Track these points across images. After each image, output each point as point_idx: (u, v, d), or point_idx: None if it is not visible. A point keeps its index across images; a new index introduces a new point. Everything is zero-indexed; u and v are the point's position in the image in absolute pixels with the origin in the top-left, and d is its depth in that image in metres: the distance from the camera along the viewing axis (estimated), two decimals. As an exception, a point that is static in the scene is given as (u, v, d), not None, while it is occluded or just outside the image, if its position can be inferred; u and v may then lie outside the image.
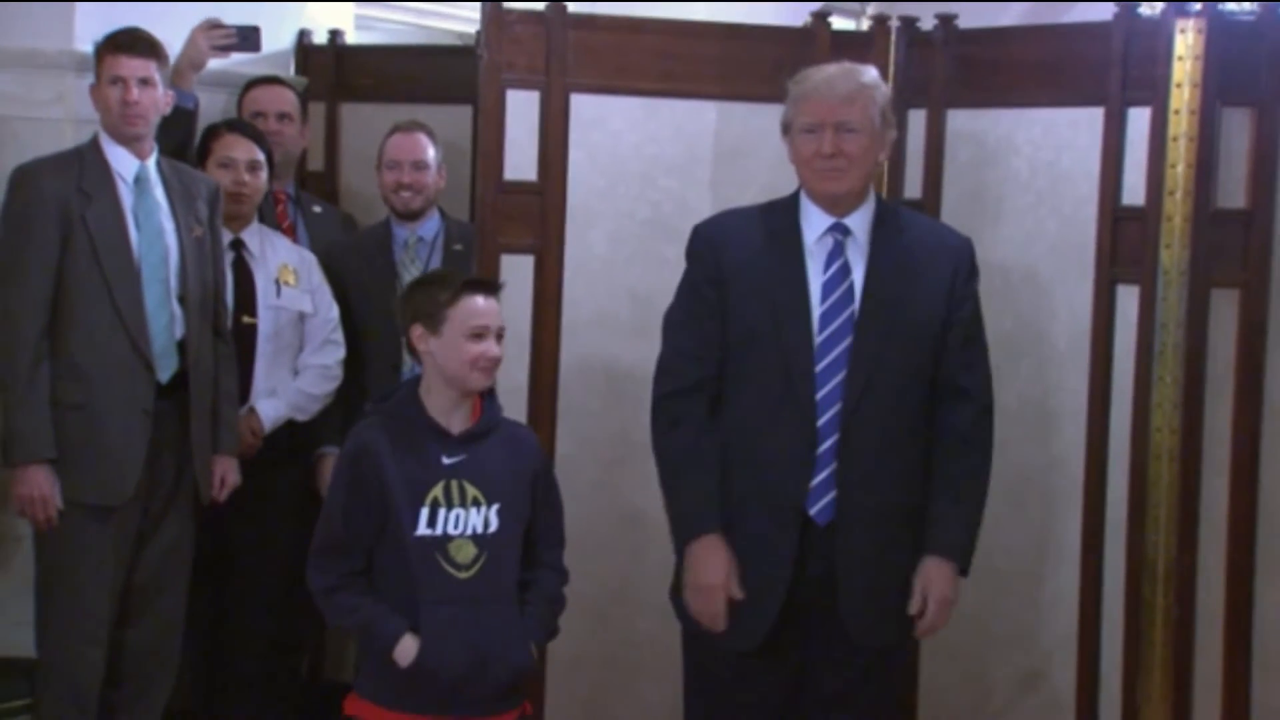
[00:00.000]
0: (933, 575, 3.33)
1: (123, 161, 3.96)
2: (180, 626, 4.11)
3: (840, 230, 3.33)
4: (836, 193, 3.31)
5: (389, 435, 3.27)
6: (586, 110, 3.99)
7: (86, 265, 3.87)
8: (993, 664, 4.06)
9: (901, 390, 3.31)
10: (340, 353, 4.35)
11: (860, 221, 3.35)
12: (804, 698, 3.41)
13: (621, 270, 4.05)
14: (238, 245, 4.30)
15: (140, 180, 3.97)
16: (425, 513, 3.23)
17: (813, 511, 3.28)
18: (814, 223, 3.34)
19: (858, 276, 3.32)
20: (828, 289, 3.31)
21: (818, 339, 3.28)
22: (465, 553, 3.25)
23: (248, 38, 4.54)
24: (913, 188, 4.12)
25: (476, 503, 3.27)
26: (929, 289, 3.33)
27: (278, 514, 4.32)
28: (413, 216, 4.53)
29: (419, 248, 4.53)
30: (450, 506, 3.25)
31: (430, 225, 4.55)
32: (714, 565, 3.28)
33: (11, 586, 4.32)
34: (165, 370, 3.93)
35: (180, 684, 4.15)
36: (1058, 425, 3.93)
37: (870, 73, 3.35)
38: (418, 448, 3.26)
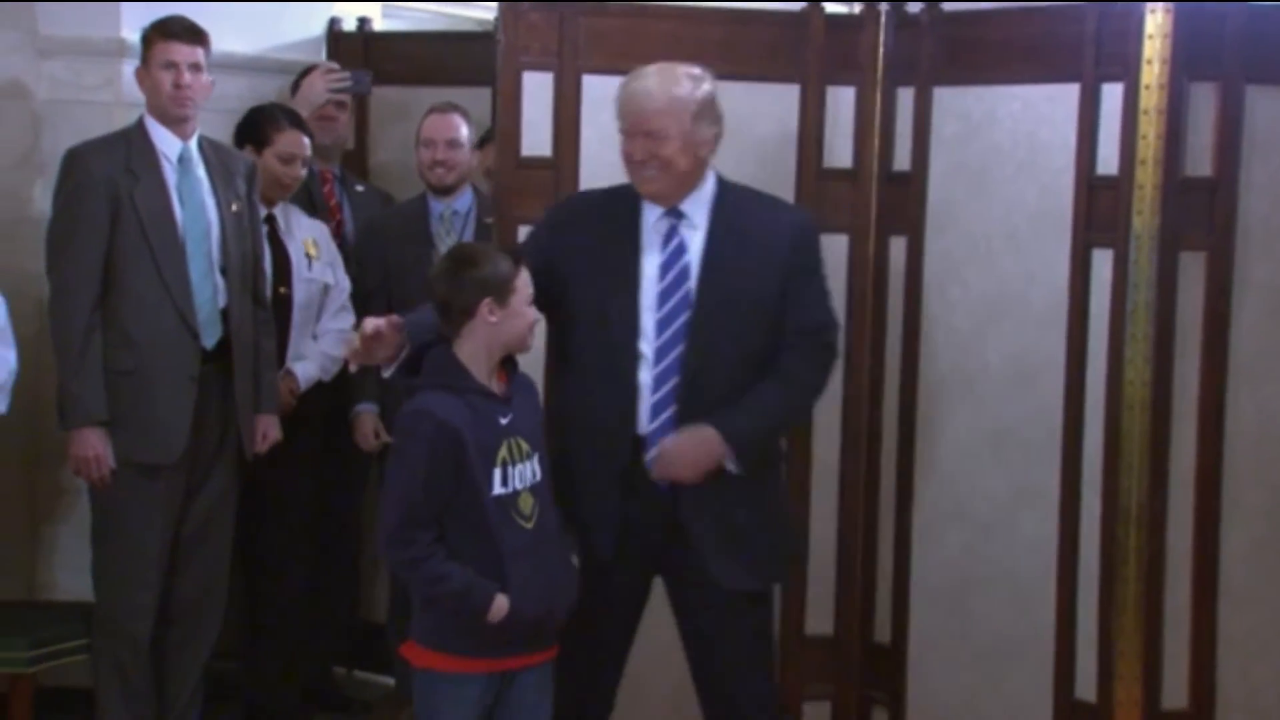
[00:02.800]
0: (688, 428, 3.35)
1: (167, 142, 4.06)
2: (226, 573, 4.23)
3: (675, 215, 3.43)
4: (650, 194, 3.41)
5: (454, 404, 3.23)
6: (597, 90, 3.99)
7: (135, 240, 3.98)
8: (975, 605, 4.13)
9: (743, 360, 3.39)
10: (352, 319, 4.48)
11: (696, 205, 3.43)
12: (681, 635, 3.55)
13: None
14: (269, 220, 4.42)
15: (183, 160, 4.07)
16: (498, 473, 3.24)
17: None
18: (653, 208, 3.44)
19: (694, 255, 3.40)
20: (665, 268, 3.39)
21: (656, 315, 3.36)
22: (527, 503, 3.28)
23: (360, 81, 4.77)
24: (902, 161, 4.19)
25: (527, 455, 3.30)
26: (766, 263, 3.40)
27: (299, 462, 4.46)
28: (447, 191, 4.69)
29: (453, 220, 4.69)
30: (514, 463, 3.27)
31: (464, 199, 4.71)
32: None
33: (69, 536, 4.46)
34: (210, 338, 4.05)
35: (225, 626, 4.26)
36: (1037, 380, 3.98)
37: (684, 82, 3.38)
38: (481, 413, 3.24)
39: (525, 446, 3.31)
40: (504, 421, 3.28)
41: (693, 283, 3.41)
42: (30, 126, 4.55)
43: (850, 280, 4.23)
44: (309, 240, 4.53)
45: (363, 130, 5.17)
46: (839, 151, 4.23)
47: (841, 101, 4.22)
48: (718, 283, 3.40)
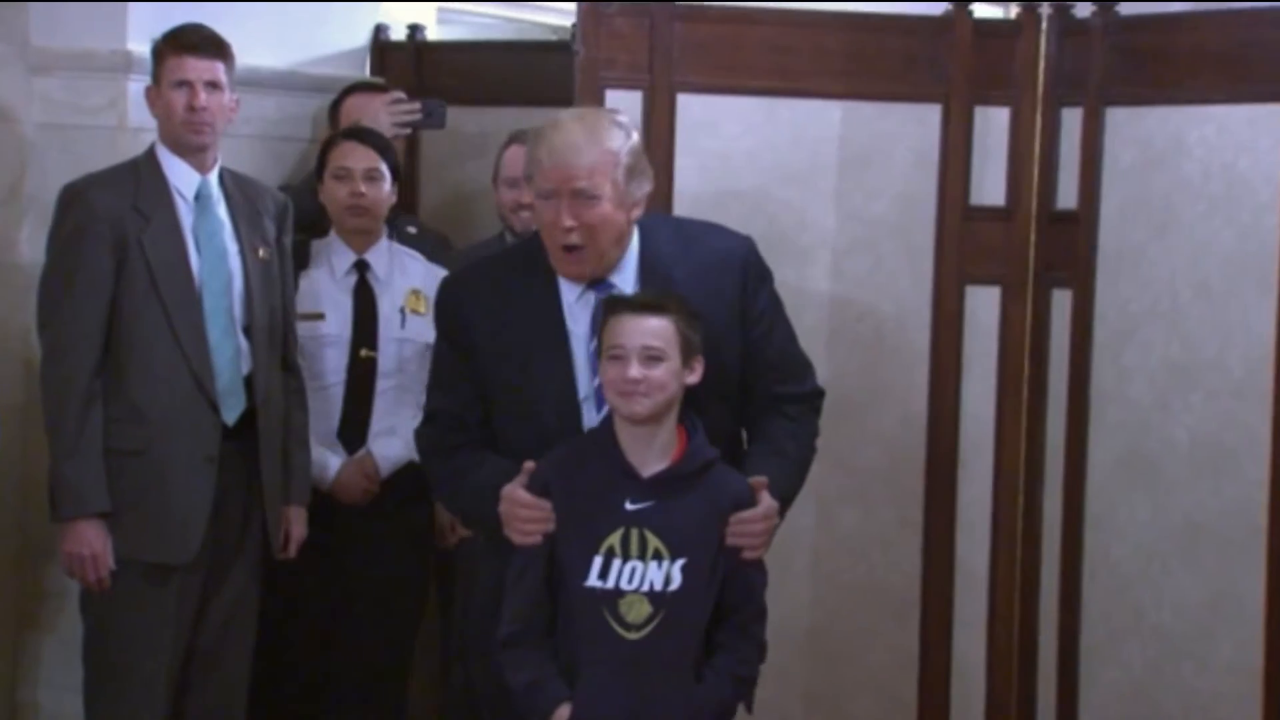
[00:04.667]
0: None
1: (182, 176, 4.00)
2: (245, 693, 4.14)
3: (602, 288, 3.34)
4: (574, 275, 3.33)
5: (565, 472, 3.28)
6: (695, 112, 4.03)
7: (143, 294, 3.90)
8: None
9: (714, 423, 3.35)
10: None
11: (624, 271, 3.36)
12: None
13: (735, 292, 4.07)
14: (361, 267, 4.36)
15: (201, 197, 4.01)
16: (598, 561, 3.23)
17: None
18: (572, 285, 3.35)
19: None
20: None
21: (599, 413, 3.31)
22: (638, 611, 3.23)
23: (433, 113, 4.70)
24: (1067, 197, 4.14)
25: (658, 556, 3.25)
26: (718, 316, 3.34)
27: (397, 566, 4.37)
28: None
29: None
30: (627, 558, 3.24)
31: None
32: None
33: (54, 648, 4.40)
34: (231, 410, 3.97)
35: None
36: (1235, 464, 3.91)
37: (616, 132, 3.31)
38: (599, 487, 3.25)
39: (657, 545, 3.24)
40: (631, 507, 3.25)
41: None
42: (18, 155, 4.47)
43: (1002, 342, 4.20)
44: (416, 292, 4.42)
45: (412, 160, 5.14)
46: (990, 186, 4.20)
47: (993, 125, 4.20)
48: None
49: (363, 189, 4.33)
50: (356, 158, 4.34)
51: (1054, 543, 4.17)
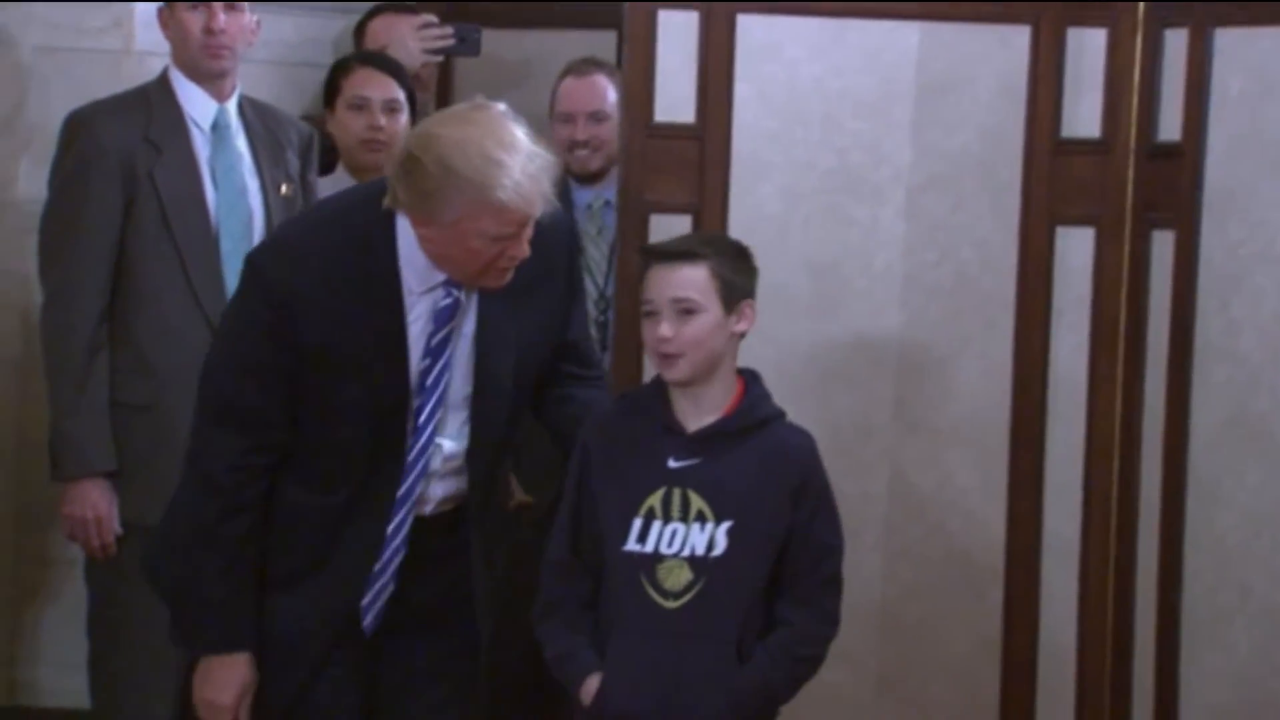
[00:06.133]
0: None
1: (198, 104, 4.06)
2: None
3: (452, 287, 3.32)
4: (483, 290, 3.33)
5: (611, 431, 3.33)
6: (756, 34, 4.00)
7: (155, 234, 3.98)
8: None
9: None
10: None
11: None
12: None
13: (798, 233, 4.05)
14: None
15: (219, 127, 4.08)
16: (638, 524, 3.27)
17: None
18: (419, 276, 3.30)
19: (467, 333, 3.37)
20: (435, 354, 3.33)
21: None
22: (676, 577, 3.26)
23: (466, 38, 4.74)
24: (1169, 129, 4.06)
25: (701, 518, 3.28)
26: (543, 314, 3.43)
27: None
28: (592, 178, 4.65)
29: (604, 213, 4.64)
30: (668, 519, 3.27)
31: (613, 185, 4.58)
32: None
33: (57, 621, 4.50)
34: None
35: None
36: None
37: (526, 134, 3.25)
38: (641, 445, 3.30)
39: (700, 506, 3.26)
40: (674, 464, 3.27)
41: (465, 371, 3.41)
42: (15, 82, 4.56)
43: (1095, 289, 4.15)
44: None
45: (445, 89, 5.17)
46: (1083, 116, 4.14)
47: (1088, 49, 4.13)
48: (492, 376, 3.40)
49: (381, 121, 4.35)
50: (375, 86, 4.36)
51: (1152, 512, 4.11)
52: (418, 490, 3.34)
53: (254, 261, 3.30)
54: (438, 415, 3.33)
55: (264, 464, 3.30)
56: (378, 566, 3.34)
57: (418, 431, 3.32)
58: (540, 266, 3.34)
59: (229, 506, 3.28)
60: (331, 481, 3.33)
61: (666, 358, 3.27)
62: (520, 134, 3.22)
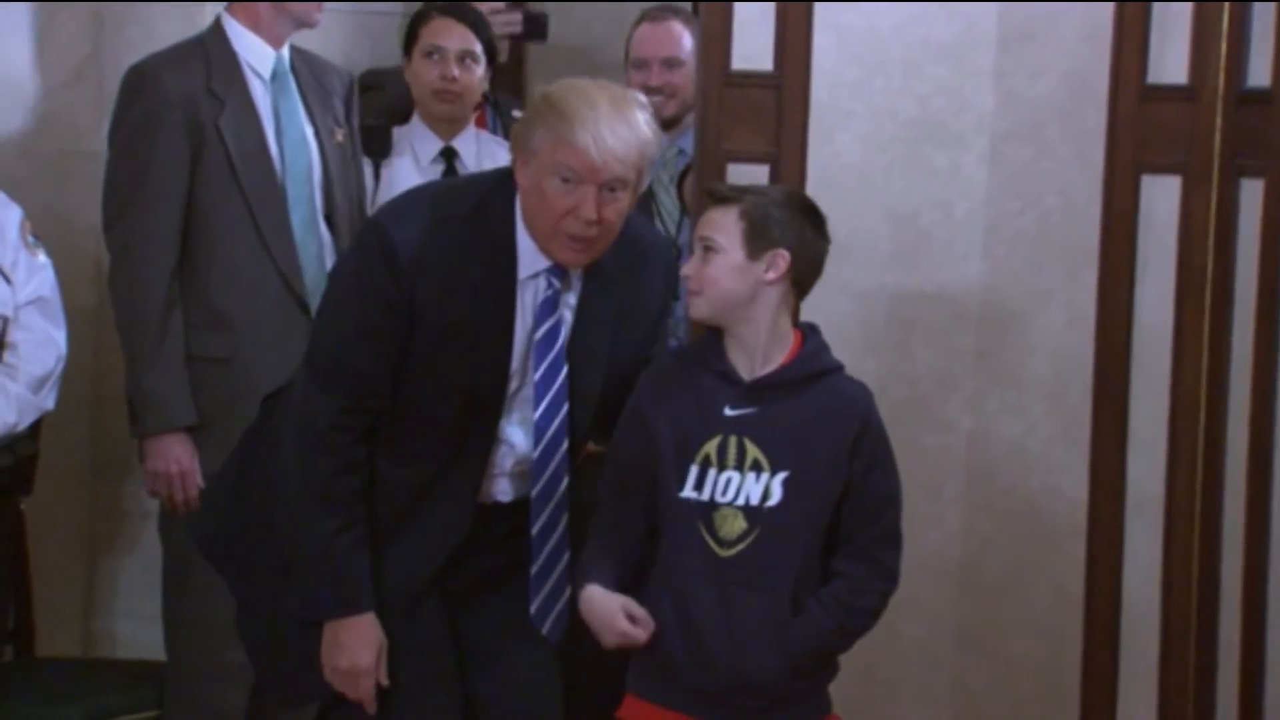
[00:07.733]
0: None
1: (256, 51, 4.06)
2: None
3: (555, 274, 3.37)
4: (574, 264, 3.35)
5: (669, 378, 3.37)
6: None
7: (223, 186, 3.99)
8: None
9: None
10: None
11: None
12: None
13: (879, 183, 4.05)
14: (449, 155, 4.43)
15: (278, 75, 4.09)
16: (694, 471, 3.29)
17: None
18: (527, 259, 3.35)
19: (560, 343, 3.40)
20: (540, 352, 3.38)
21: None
22: (731, 526, 3.27)
23: (534, 22, 4.72)
24: (1259, 74, 3.98)
25: (757, 467, 3.29)
26: (635, 336, 3.48)
27: None
28: (667, 125, 4.59)
29: (678, 162, 4.61)
30: (723, 468, 3.29)
31: (689, 135, 4.56)
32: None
33: (133, 573, 4.53)
34: None
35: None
36: None
37: (646, 118, 3.28)
38: (699, 393, 3.32)
39: (756, 455, 3.27)
40: (730, 413, 3.30)
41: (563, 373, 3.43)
42: (89, 30, 4.58)
43: (1182, 239, 4.08)
44: None
45: (518, 77, 5.29)
46: (1171, 62, 4.08)
47: None
48: (594, 371, 3.45)
49: (455, 72, 4.37)
50: (451, 36, 4.36)
51: (1239, 466, 4.04)
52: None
53: (380, 226, 3.33)
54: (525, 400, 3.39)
55: (365, 426, 3.33)
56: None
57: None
58: (639, 293, 3.44)
59: (341, 466, 3.31)
60: (418, 460, 3.37)
61: (690, 294, 3.33)
62: (639, 113, 3.27)
